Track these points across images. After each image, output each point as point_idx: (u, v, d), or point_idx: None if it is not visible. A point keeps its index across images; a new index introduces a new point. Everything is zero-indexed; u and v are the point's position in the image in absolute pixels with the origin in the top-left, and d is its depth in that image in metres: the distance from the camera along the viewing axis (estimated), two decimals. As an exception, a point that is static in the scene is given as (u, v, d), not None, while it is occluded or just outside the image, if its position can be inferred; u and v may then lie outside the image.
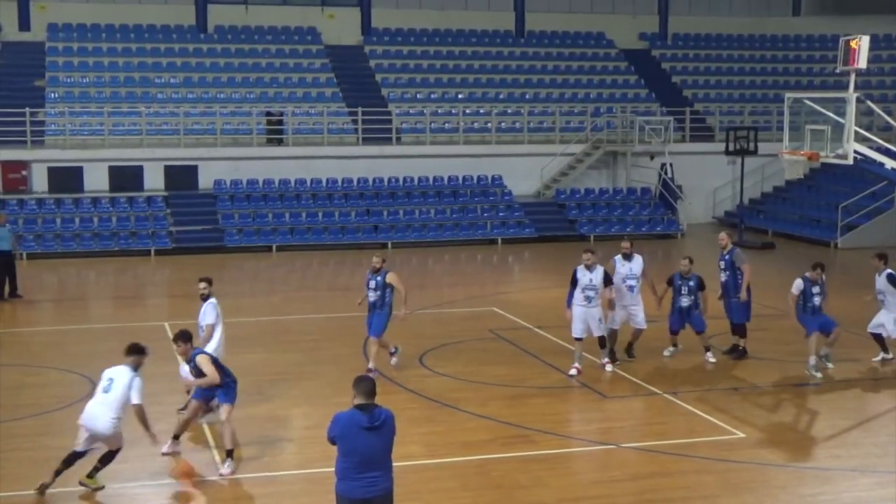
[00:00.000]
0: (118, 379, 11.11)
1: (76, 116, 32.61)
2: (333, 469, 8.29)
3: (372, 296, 15.42)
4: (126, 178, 30.72)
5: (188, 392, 12.40)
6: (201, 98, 34.44)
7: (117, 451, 11.20)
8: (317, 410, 13.68)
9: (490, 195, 32.57)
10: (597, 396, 14.87)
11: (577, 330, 15.59)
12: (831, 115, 19.63)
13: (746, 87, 40.29)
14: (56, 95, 33.57)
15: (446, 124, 35.11)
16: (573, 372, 15.64)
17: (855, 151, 19.19)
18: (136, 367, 11.22)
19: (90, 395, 11.47)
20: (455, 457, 12.25)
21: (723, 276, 16.70)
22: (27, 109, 30.84)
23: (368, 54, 38.26)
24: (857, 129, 19.29)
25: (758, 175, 34.88)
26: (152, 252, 28.66)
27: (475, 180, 32.91)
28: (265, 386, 15.00)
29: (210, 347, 13.03)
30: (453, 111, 35.56)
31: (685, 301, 16.26)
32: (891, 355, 16.49)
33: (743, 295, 16.36)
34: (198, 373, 11.76)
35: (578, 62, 39.53)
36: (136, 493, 11.26)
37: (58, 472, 11.01)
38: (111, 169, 30.76)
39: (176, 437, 12.27)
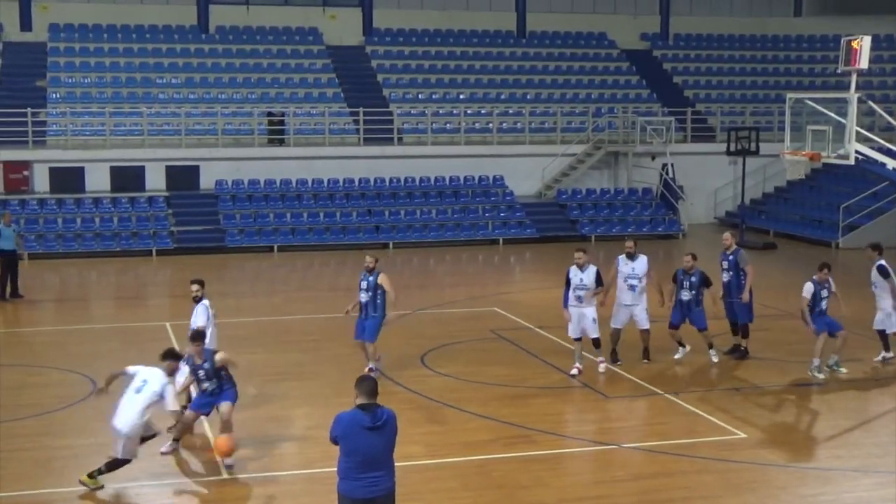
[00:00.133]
0: (151, 382, 11.17)
1: (78, 117, 32.61)
2: (335, 469, 8.30)
3: (364, 296, 15.17)
4: (127, 178, 30.73)
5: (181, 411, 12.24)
6: (203, 98, 34.44)
7: (126, 462, 11.13)
8: (317, 410, 13.69)
9: (491, 195, 32.56)
10: (598, 396, 14.86)
11: (571, 330, 15.63)
12: (833, 115, 19.59)
13: (748, 87, 40.25)
14: (57, 96, 33.57)
15: (447, 124, 35.09)
16: (574, 372, 15.65)
17: (856, 152, 19.15)
18: (171, 373, 11.27)
19: (121, 392, 11.43)
20: (456, 457, 12.24)
21: (725, 277, 16.70)
22: (29, 110, 30.86)
23: (370, 54, 38.25)
24: (859, 129, 19.26)
25: (759, 175, 34.86)
26: (154, 252, 28.66)
27: (476, 181, 32.89)
28: (266, 386, 14.99)
29: None
30: (454, 111, 35.54)
31: (686, 295, 16.25)
32: (892, 354, 16.48)
33: (745, 296, 16.38)
34: (214, 372, 11.81)
35: (580, 62, 39.51)
36: (136, 493, 11.25)
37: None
38: (113, 169, 30.77)
39: (176, 440, 12.31)
